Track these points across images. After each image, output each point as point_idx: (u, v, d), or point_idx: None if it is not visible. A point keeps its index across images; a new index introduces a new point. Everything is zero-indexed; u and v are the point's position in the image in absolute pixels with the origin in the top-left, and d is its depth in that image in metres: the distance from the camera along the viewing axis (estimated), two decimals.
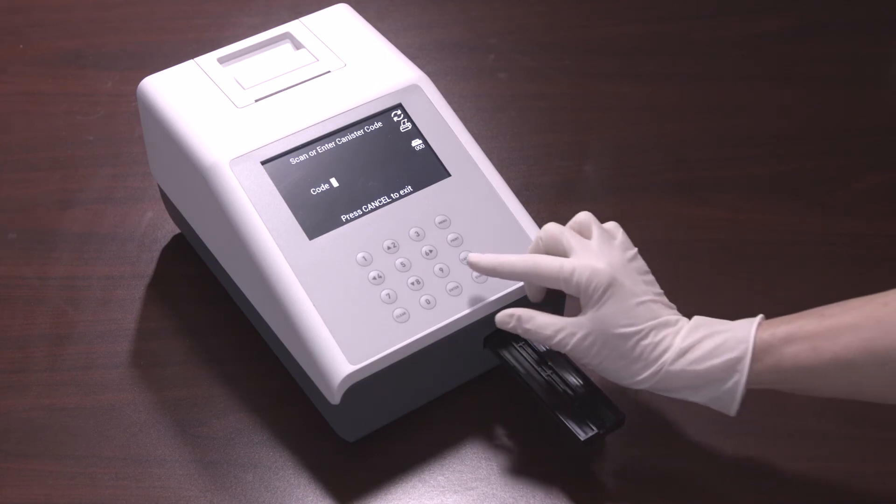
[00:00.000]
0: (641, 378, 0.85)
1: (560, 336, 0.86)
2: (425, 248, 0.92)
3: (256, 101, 0.97)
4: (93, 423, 0.95)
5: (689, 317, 0.86)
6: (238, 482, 0.91)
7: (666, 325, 0.85)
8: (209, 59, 1.00)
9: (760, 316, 0.85)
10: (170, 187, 1.03)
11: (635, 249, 0.89)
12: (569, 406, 0.89)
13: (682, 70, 1.26)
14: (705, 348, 0.83)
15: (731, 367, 0.83)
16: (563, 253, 0.88)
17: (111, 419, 0.95)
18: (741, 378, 0.83)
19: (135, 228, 1.09)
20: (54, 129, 1.18)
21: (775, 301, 1.01)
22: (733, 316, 0.85)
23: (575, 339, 0.86)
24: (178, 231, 1.08)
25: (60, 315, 1.02)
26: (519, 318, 0.88)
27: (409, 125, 0.97)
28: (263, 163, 0.93)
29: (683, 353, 0.84)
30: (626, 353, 0.85)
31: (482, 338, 0.92)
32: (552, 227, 0.89)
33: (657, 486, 0.91)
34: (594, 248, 0.87)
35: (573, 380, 0.90)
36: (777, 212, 1.11)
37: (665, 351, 0.84)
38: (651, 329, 0.85)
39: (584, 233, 0.89)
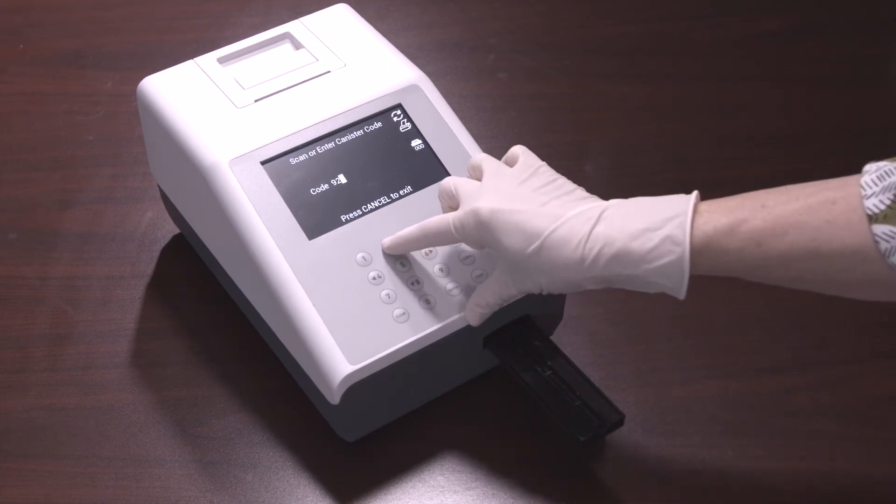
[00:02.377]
0: (580, 280, 0.82)
1: (507, 294, 0.87)
2: (425, 248, 0.92)
3: (256, 101, 0.97)
4: (93, 423, 0.95)
5: None
6: (238, 482, 0.91)
7: (573, 219, 0.82)
8: (209, 59, 1.00)
9: (694, 200, 0.80)
10: (170, 187, 1.03)
11: (537, 165, 0.86)
12: (569, 406, 0.89)
13: (682, 70, 1.26)
14: (637, 251, 0.80)
15: (668, 269, 0.80)
16: (458, 205, 0.88)
17: (111, 419, 0.95)
18: (682, 279, 0.80)
19: (135, 228, 1.09)
20: (54, 129, 1.18)
21: (776, 301, 1.01)
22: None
23: (512, 287, 0.86)
24: (178, 231, 1.08)
25: (60, 315, 1.02)
26: (478, 305, 0.88)
27: (408, 125, 0.97)
28: (263, 163, 0.93)
29: (614, 256, 0.80)
30: (551, 266, 0.82)
31: (482, 338, 0.92)
32: (444, 183, 0.89)
33: (657, 487, 0.91)
34: (481, 188, 0.86)
35: (573, 380, 0.90)
36: None
37: (583, 244, 0.81)
38: (556, 230, 0.81)
39: (478, 175, 0.88)
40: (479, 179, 0.88)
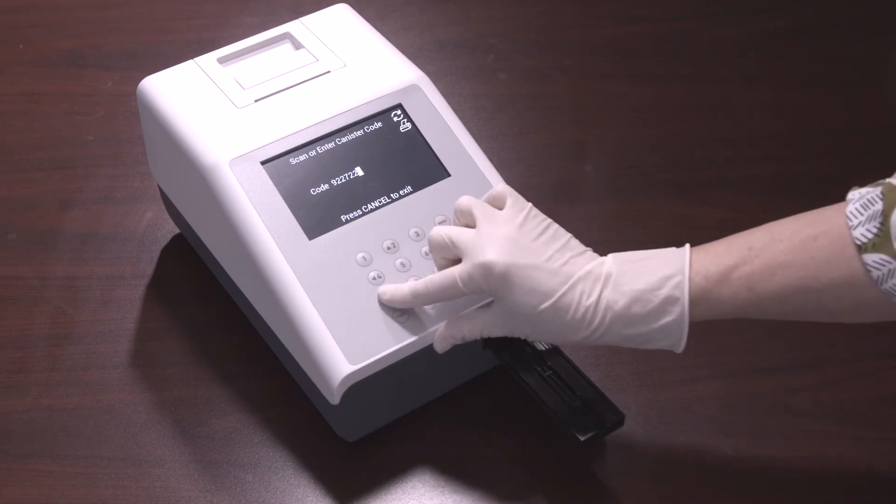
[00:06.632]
0: (577, 341, 0.84)
1: (489, 334, 0.87)
2: (425, 249, 0.92)
3: (256, 101, 0.97)
4: (93, 423, 0.95)
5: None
6: (238, 482, 0.91)
7: (582, 280, 0.83)
8: (209, 59, 1.00)
9: (688, 256, 0.82)
10: (170, 187, 1.03)
11: (527, 208, 0.86)
12: (569, 406, 0.89)
13: (682, 70, 1.26)
14: (638, 313, 0.82)
15: (668, 328, 0.82)
16: (457, 257, 0.87)
17: (111, 419, 0.95)
18: (682, 336, 0.83)
19: (135, 228, 1.09)
20: (54, 129, 1.18)
21: None
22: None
23: (500, 330, 0.86)
24: (178, 231, 1.08)
25: (60, 315, 1.02)
26: (452, 336, 0.88)
27: (409, 125, 0.97)
28: (263, 163, 0.93)
29: (616, 319, 0.82)
30: (554, 324, 0.84)
31: (482, 338, 0.92)
32: (434, 235, 0.87)
33: (657, 486, 0.91)
34: (480, 236, 0.85)
35: (573, 380, 0.90)
36: (777, 212, 1.11)
37: (591, 310, 0.82)
38: (567, 292, 0.83)
39: (469, 222, 0.88)
40: (470, 225, 0.87)
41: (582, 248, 0.86)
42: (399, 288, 0.88)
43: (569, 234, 0.86)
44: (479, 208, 0.87)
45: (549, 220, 0.86)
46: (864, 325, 0.97)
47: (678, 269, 0.82)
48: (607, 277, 0.83)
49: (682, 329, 0.82)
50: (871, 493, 0.91)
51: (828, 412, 0.95)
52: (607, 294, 0.83)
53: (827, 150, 1.17)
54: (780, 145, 1.18)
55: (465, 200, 0.88)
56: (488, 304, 0.88)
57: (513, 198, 0.87)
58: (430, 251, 0.89)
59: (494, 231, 0.85)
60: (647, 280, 0.82)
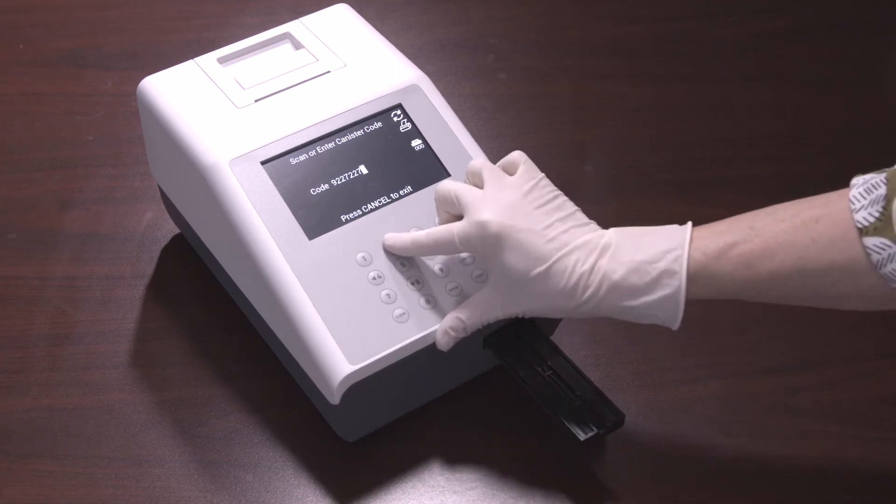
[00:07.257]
0: (572, 310, 0.84)
1: (488, 318, 0.87)
2: (426, 256, 0.92)
3: (256, 101, 0.97)
4: (93, 423, 0.95)
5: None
6: (238, 482, 0.91)
7: (578, 249, 0.83)
8: (209, 59, 1.00)
9: (689, 232, 0.83)
10: (170, 187, 1.03)
11: (537, 178, 0.87)
12: (569, 406, 0.89)
13: (682, 70, 1.26)
14: (635, 284, 0.82)
15: (665, 302, 0.82)
16: (460, 213, 0.88)
17: (111, 419, 0.95)
18: (678, 311, 0.82)
19: (135, 228, 1.09)
20: (54, 129, 1.18)
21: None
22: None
23: (499, 310, 0.87)
24: (178, 231, 1.08)
25: (60, 315, 1.02)
26: (453, 328, 0.88)
27: (408, 125, 0.97)
28: (263, 163, 0.93)
29: (612, 288, 0.82)
30: (547, 293, 0.84)
31: (482, 338, 0.92)
32: (441, 188, 0.89)
33: (657, 486, 0.91)
34: (484, 198, 0.86)
35: (573, 380, 0.90)
36: None
37: (586, 277, 0.83)
38: (561, 259, 0.83)
39: (478, 182, 0.88)
40: (479, 186, 0.88)
41: (586, 220, 0.86)
42: (402, 235, 0.90)
43: (576, 207, 0.86)
44: (489, 171, 0.88)
45: (559, 192, 0.87)
46: (863, 323, 0.97)
47: (678, 244, 0.82)
48: (605, 247, 0.83)
49: (678, 304, 0.82)
50: (871, 493, 0.91)
51: (828, 412, 0.95)
52: (604, 263, 0.83)
53: (827, 150, 1.17)
54: (780, 145, 1.18)
55: (477, 162, 0.89)
56: (484, 287, 0.88)
57: (525, 165, 0.87)
58: (436, 204, 0.90)
59: (499, 194, 0.86)
60: (646, 252, 0.82)
